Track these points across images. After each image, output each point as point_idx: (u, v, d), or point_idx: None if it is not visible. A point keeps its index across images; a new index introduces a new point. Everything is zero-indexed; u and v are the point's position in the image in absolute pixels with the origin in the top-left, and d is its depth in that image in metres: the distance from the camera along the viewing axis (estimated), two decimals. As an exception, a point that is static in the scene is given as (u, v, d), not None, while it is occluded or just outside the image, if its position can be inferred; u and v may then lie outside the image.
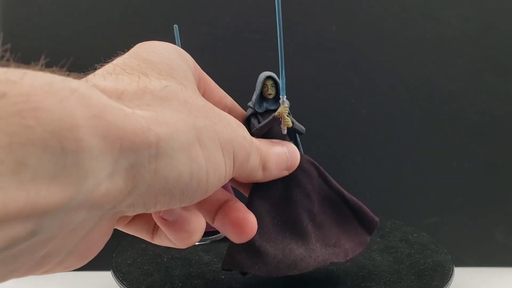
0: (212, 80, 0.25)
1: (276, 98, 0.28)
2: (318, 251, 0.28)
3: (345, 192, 0.30)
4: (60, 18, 0.46)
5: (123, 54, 0.20)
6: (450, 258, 0.34)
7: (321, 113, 0.47)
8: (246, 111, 0.29)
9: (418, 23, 0.47)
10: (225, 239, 0.41)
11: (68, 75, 0.14)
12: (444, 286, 0.29)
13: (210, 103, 0.20)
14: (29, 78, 0.12)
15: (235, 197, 0.24)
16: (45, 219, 0.12)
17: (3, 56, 0.13)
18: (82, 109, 0.13)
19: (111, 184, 0.14)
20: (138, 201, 0.16)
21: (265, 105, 0.28)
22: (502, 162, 0.48)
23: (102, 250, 0.18)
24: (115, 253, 0.36)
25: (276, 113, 0.27)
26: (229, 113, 0.26)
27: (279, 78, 0.28)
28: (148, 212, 0.17)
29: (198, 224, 0.21)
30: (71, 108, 0.12)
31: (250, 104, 0.28)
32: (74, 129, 0.12)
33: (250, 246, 0.27)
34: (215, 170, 0.18)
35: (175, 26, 0.33)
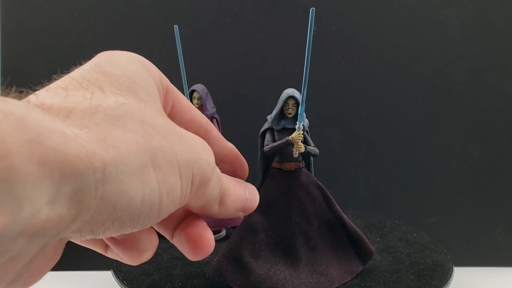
0: (184, 97, 0.23)
1: (295, 118, 0.28)
2: (303, 277, 0.28)
3: (347, 220, 0.30)
4: (60, 18, 0.46)
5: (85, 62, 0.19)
6: (449, 258, 0.34)
7: (321, 113, 0.48)
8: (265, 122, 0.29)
9: (418, 23, 0.47)
10: (224, 239, 0.41)
11: (9, 95, 0.13)
12: (443, 285, 0.29)
13: (172, 123, 0.18)
14: None
15: (196, 213, 0.22)
16: None
17: None
18: (16, 134, 0.12)
19: (52, 211, 0.13)
20: (85, 227, 0.15)
21: (283, 122, 0.28)
22: (501, 162, 0.48)
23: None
24: (115, 253, 0.36)
25: (290, 138, 0.27)
26: (207, 134, 0.24)
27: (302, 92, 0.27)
28: (98, 238, 0.16)
29: (149, 242, 0.20)
30: (2, 134, 0.12)
31: (268, 118, 0.28)
32: (5, 156, 0.12)
33: (238, 260, 0.27)
34: (169, 193, 0.17)
35: (175, 27, 0.33)
